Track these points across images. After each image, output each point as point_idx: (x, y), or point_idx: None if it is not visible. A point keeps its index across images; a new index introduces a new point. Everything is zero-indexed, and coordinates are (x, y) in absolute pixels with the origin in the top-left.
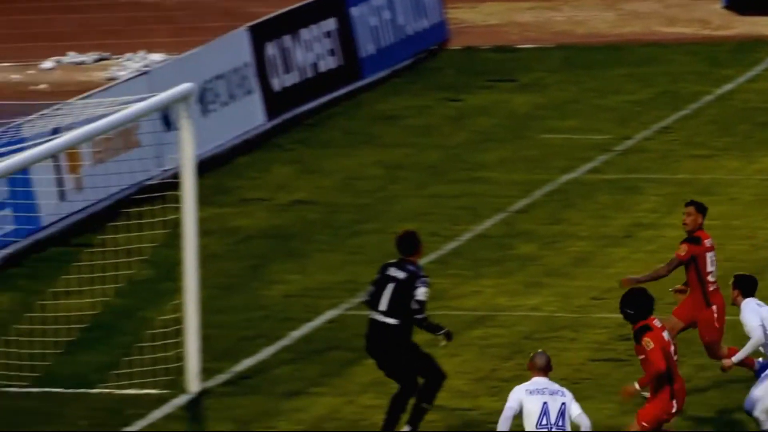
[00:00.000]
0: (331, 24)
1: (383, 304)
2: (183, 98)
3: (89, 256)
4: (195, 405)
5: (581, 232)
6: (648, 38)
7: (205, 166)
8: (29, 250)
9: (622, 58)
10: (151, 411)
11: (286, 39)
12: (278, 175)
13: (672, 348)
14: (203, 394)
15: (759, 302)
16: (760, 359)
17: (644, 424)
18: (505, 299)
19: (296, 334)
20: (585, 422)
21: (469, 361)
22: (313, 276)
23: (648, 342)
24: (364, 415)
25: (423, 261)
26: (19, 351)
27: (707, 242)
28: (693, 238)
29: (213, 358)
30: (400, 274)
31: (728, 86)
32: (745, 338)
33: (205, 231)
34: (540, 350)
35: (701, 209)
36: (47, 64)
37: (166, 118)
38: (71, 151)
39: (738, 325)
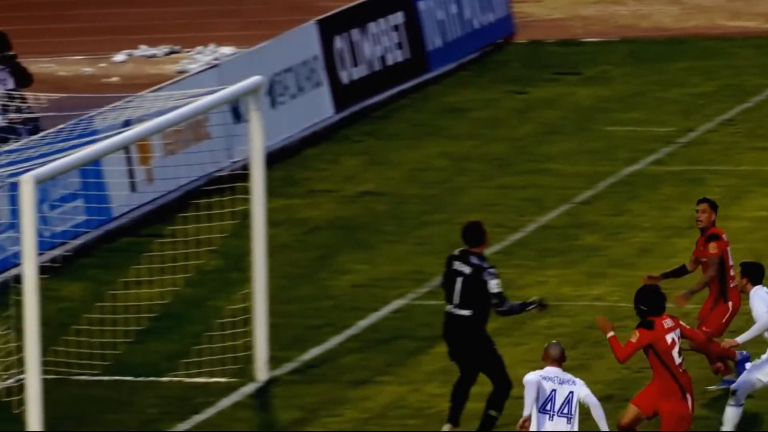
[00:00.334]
0: (398, 18)
1: (455, 298)
2: (252, 91)
3: (159, 247)
4: (263, 393)
5: (645, 223)
6: (712, 32)
7: (274, 158)
8: (100, 241)
9: (685, 51)
10: (219, 399)
11: (355, 32)
12: (346, 167)
13: (676, 349)
14: (271, 382)
15: None
16: (744, 351)
17: (635, 408)
18: (569, 289)
19: (363, 323)
20: (593, 401)
21: (534, 349)
22: (380, 266)
23: (634, 333)
24: (429, 404)
25: (488, 251)
26: (90, 340)
27: (725, 237)
28: (715, 235)
29: (281, 346)
30: (466, 269)
31: None
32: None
33: (273, 222)
34: (554, 341)
35: (714, 206)
36: (119, 57)
37: (235, 110)
38: (142, 143)
39: (744, 314)
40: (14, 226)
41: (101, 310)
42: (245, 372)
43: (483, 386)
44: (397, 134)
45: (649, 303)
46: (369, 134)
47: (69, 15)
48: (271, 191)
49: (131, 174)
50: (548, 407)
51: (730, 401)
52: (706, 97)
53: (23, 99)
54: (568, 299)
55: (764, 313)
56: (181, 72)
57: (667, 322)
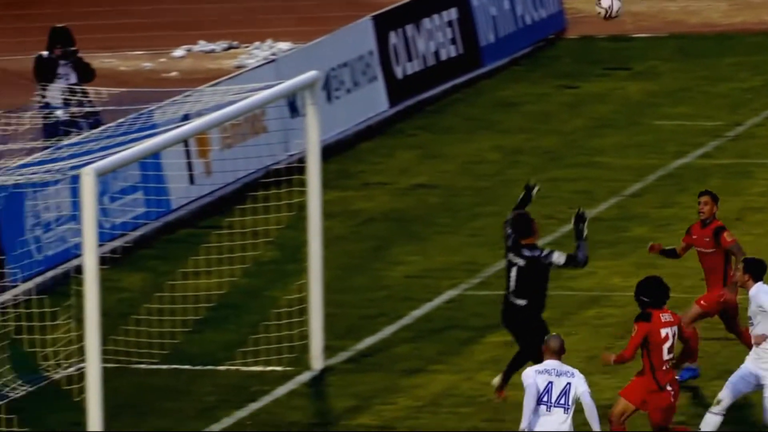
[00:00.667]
0: (452, 14)
1: (511, 286)
2: (309, 86)
3: (217, 238)
4: (318, 381)
5: (692, 216)
6: (759, 27)
7: (330, 151)
8: (160, 232)
9: (733, 46)
10: (275, 387)
11: (409, 28)
12: (400, 160)
13: (668, 344)
14: (326, 371)
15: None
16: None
17: (624, 400)
18: (618, 280)
19: (416, 313)
20: (587, 400)
21: (583, 339)
22: (433, 257)
23: (633, 328)
24: (481, 392)
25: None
26: (149, 329)
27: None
28: (723, 227)
29: (336, 336)
30: (520, 261)
31: None
32: (746, 320)
33: (328, 214)
34: (554, 333)
35: (715, 198)
36: (178, 52)
37: (292, 104)
38: (201, 137)
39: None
40: (75, 217)
41: (160, 300)
42: (301, 361)
43: None
44: (451, 128)
45: (651, 294)
46: (423, 128)
47: (130, 11)
48: (327, 184)
49: (190, 167)
50: (545, 398)
51: (713, 409)
52: (753, 91)
53: (85, 93)
54: (617, 290)
55: None
56: (239, 67)
57: (665, 316)
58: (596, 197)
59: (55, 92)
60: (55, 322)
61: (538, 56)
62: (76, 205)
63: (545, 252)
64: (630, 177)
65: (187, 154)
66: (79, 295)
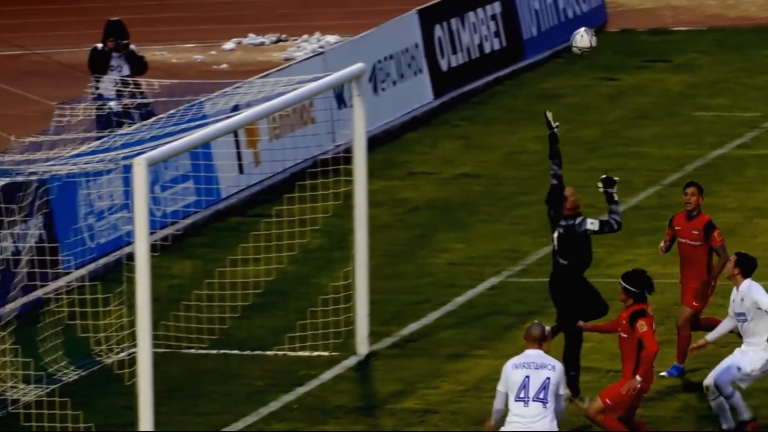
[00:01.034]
0: (496, 8)
1: (555, 246)
2: (356, 77)
3: (266, 226)
4: (363, 366)
5: (730, 205)
6: None
7: (376, 142)
8: (209, 221)
9: None
10: (322, 372)
11: (454, 21)
12: (444, 150)
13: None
14: (371, 356)
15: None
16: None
17: (608, 401)
18: (657, 267)
19: (460, 299)
20: (560, 404)
21: None
22: (476, 245)
23: (642, 325)
24: None
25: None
26: (198, 315)
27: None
28: (713, 225)
29: (381, 322)
30: (560, 230)
31: None
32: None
33: (374, 202)
34: (536, 321)
35: (701, 190)
36: (228, 45)
37: (339, 96)
38: (250, 127)
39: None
40: (127, 206)
41: (209, 286)
42: (347, 346)
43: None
44: (494, 119)
45: (640, 285)
46: (467, 119)
47: (182, 5)
48: (373, 173)
49: (239, 157)
50: (521, 394)
51: (711, 396)
52: None
53: (137, 85)
54: (656, 277)
55: None
56: (288, 59)
57: (650, 310)
58: (636, 186)
59: (108, 84)
60: (107, 308)
61: None
62: (128, 194)
63: (579, 220)
64: (669, 167)
65: (237, 144)
66: (131, 281)
